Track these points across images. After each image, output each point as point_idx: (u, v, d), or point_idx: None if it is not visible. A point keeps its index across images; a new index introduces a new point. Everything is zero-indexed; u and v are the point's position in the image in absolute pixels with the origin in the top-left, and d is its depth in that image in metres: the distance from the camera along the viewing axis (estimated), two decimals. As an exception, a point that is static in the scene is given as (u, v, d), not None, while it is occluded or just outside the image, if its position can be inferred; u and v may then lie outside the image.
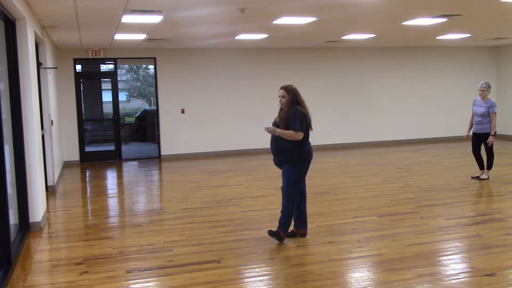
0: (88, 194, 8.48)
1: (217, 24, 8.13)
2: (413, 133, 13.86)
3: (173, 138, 12.14)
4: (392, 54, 13.52)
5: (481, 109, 8.01)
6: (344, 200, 7.06)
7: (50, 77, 8.72)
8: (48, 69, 8.38)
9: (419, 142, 13.71)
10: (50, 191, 7.97)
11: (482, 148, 8.22)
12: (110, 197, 8.25)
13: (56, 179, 8.68)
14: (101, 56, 11.52)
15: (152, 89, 21.94)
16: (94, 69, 13.94)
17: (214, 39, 10.20)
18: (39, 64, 7.68)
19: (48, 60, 8.53)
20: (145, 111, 17.64)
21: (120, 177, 10.15)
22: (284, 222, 5.06)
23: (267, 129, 5.01)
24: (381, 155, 11.59)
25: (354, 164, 10.33)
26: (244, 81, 12.50)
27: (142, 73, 24.81)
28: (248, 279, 4.24)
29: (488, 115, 7.95)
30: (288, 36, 9.91)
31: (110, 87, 12.40)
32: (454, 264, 4.44)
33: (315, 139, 5.10)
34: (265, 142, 5.18)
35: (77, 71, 11.88)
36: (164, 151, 12.16)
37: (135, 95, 25.29)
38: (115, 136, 12.26)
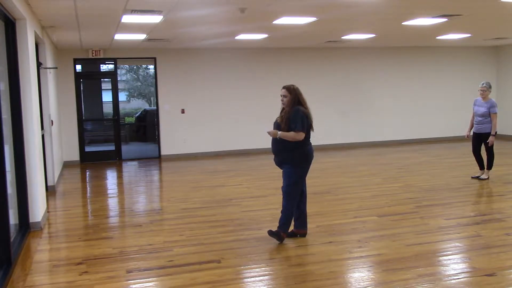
0: (88, 194, 8.48)
1: (217, 24, 8.13)
2: (413, 133, 13.86)
3: (173, 138, 12.14)
4: (392, 54, 13.52)
5: (482, 109, 8.01)
6: (344, 200, 7.06)
7: (50, 77, 8.72)
8: (48, 69, 8.38)
9: (419, 142, 13.71)
10: (50, 191, 7.97)
11: (482, 148, 8.22)
12: (110, 197, 8.25)
13: (56, 179, 8.68)
14: (101, 56, 11.51)
15: (152, 89, 21.94)
16: (94, 69, 13.93)
17: (214, 39, 10.20)
18: (39, 64, 7.68)
19: (48, 60, 8.53)
20: (145, 111, 17.64)
21: (120, 177, 10.15)
22: (284, 222, 5.06)
23: (269, 133, 5.01)
24: (381, 155, 11.59)
25: (354, 164, 10.33)
26: (244, 81, 12.50)
27: (142, 73, 24.81)
28: (248, 279, 4.24)
29: (489, 115, 7.95)
30: (288, 36, 9.91)
31: (110, 87, 12.40)
32: (454, 264, 4.44)
33: (315, 139, 5.09)
34: (265, 142, 5.18)
35: (77, 71, 11.88)
36: (164, 151, 12.16)
37: (135, 95, 25.30)
38: (115, 136, 12.26)
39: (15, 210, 5.54)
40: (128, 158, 12.30)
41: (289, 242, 5.07)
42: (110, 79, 12.74)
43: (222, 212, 6.50)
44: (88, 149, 12.32)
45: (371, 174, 9.05)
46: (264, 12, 7.03)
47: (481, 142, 8.16)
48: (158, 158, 12.16)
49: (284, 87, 5.03)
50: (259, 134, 8.81)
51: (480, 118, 8.06)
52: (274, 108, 5.28)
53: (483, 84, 8.11)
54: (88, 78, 13.42)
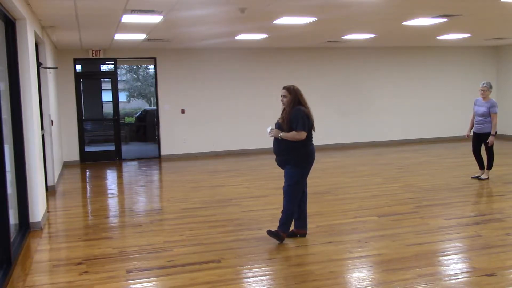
0: (88, 194, 8.48)
1: (217, 24, 8.13)
2: (413, 133, 13.86)
3: (173, 138, 12.15)
4: (392, 54, 13.52)
5: (482, 109, 8.01)
6: (344, 200, 7.06)
7: (50, 77, 8.72)
8: (48, 69, 8.38)
9: (419, 142, 13.71)
10: (50, 191, 7.97)
11: (482, 148, 8.22)
12: (110, 197, 8.25)
13: (56, 179, 8.68)
14: (101, 56, 11.51)
15: (152, 89, 21.95)
16: (94, 69, 13.94)
17: (214, 39, 10.20)
18: (39, 64, 7.68)
19: (48, 60, 8.53)
20: (145, 111, 17.64)
21: (120, 177, 10.15)
22: (284, 222, 5.06)
23: (272, 133, 4.98)
24: (381, 155, 11.59)
25: (354, 164, 10.33)
26: (244, 81, 12.50)
27: (142, 73, 24.81)
28: (248, 279, 4.24)
29: (489, 115, 7.95)
30: (288, 36, 9.91)
31: (110, 87, 12.40)
32: (454, 264, 4.44)
33: (315, 139, 5.09)
34: (265, 142, 5.18)
35: (77, 71, 11.88)
36: (164, 151, 12.16)
37: (135, 95, 25.29)
38: (115, 136, 12.26)
39: (15, 210, 5.54)
40: (128, 158, 12.30)
41: (289, 242, 5.07)
42: (110, 79, 12.74)
43: (222, 212, 6.50)
44: (88, 149, 12.32)
45: (371, 174, 9.05)
46: (264, 12, 7.03)
47: (481, 142, 8.16)
48: (158, 158, 12.16)
49: (284, 88, 5.02)
50: (259, 134, 8.82)
51: (480, 118, 8.06)
52: (274, 108, 5.29)
53: (483, 84, 8.11)
54: (88, 78, 13.42)
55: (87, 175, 10.32)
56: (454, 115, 13.79)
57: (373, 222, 5.87)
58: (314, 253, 4.80)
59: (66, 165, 11.25)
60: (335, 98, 13.14)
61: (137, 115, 18.14)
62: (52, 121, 8.59)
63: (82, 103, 11.96)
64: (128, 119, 19.04)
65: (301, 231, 5.22)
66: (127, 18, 7.15)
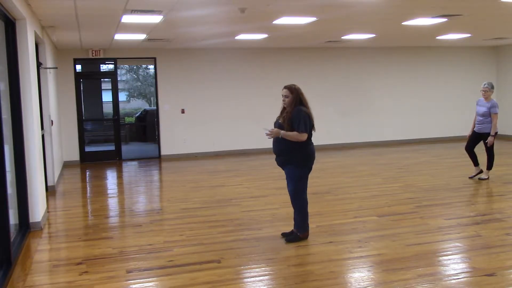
0: (88, 194, 8.48)
1: (217, 24, 8.13)
2: (413, 133, 13.86)
3: (173, 138, 12.15)
4: (392, 54, 13.52)
5: (483, 109, 8.01)
6: (344, 200, 7.06)
7: (50, 77, 8.72)
8: (48, 69, 8.38)
9: (419, 142, 13.71)
10: (50, 191, 7.97)
11: (478, 146, 8.19)
12: (110, 197, 8.25)
13: (56, 179, 8.68)
14: (101, 56, 11.52)
15: (152, 89, 21.95)
16: (94, 69, 13.93)
17: (214, 39, 10.20)
18: (39, 64, 7.68)
19: (48, 60, 8.53)
20: (145, 111, 17.64)
21: (120, 177, 10.15)
22: (301, 223, 5.08)
23: (270, 132, 4.93)
24: (381, 155, 11.59)
25: (354, 164, 10.33)
26: (244, 81, 12.50)
27: (142, 73, 24.81)
28: (248, 279, 4.24)
29: (489, 115, 7.95)
30: (288, 36, 9.91)
31: (110, 87, 12.40)
32: (454, 264, 4.44)
33: (315, 139, 5.08)
34: (265, 142, 5.17)
35: (77, 71, 11.88)
36: (164, 151, 12.16)
37: (135, 95, 25.29)
38: (115, 136, 12.26)
39: (15, 210, 5.54)
40: (128, 158, 12.30)
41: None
42: (110, 79, 12.75)
43: (222, 212, 6.50)
44: (88, 149, 12.32)
45: (371, 174, 9.05)
46: (264, 12, 7.03)
47: (478, 140, 8.17)
48: (158, 158, 12.17)
49: (285, 87, 4.98)
50: (259, 134, 8.79)
51: (481, 118, 8.06)
52: (274, 108, 5.28)
53: (485, 84, 8.11)
54: (88, 78, 13.42)
55: (87, 175, 10.32)
56: (454, 115, 13.80)
57: (373, 222, 5.87)
58: (314, 253, 4.80)
59: (66, 165, 11.25)
60: (335, 98, 13.14)
61: (137, 115, 18.14)
62: (52, 121, 8.59)
63: (82, 103, 11.96)
64: (128, 119, 19.04)
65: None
66: (127, 18, 7.15)
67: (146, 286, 4.10)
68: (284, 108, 5.04)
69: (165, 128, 12.13)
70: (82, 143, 11.79)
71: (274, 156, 5.13)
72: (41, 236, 5.66)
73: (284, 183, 5.28)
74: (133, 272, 4.36)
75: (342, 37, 10.62)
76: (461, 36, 11.06)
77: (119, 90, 13.60)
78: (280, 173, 5.16)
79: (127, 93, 25.45)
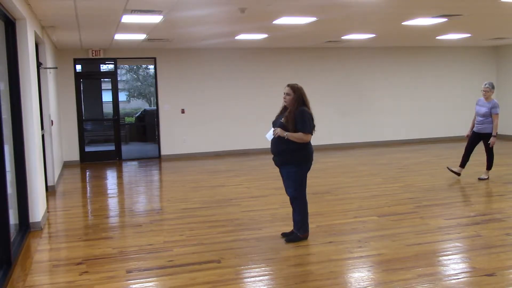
0: (88, 194, 8.48)
1: (217, 24, 8.13)
2: (413, 133, 13.87)
3: (173, 138, 12.15)
4: (392, 54, 13.52)
5: (483, 109, 8.01)
6: (344, 200, 7.06)
7: (50, 77, 8.72)
8: (48, 69, 8.38)
9: (419, 142, 13.71)
10: (50, 191, 7.97)
11: (478, 146, 8.19)
12: (110, 197, 8.25)
13: (56, 179, 8.68)
14: (101, 56, 11.52)
15: (152, 89, 21.94)
16: (94, 69, 13.94)
17: (214, 39, 10.20)
18: (39, 64, 7.68)
19: (48, 60, 8.53)
20: (145, 111, 17.64)
21: (120, 177, 10.15)
22: (302, 225, 5.08)
23: (276, 133, 4.90)
24: (381, 155, 11.59)
25: (354, 164, 10.33)
26: (244, 81, 12.50)
27: (142, 73, 24.81)
28: (248, 279, 4.24)
29: (490, 115, 7.95)
30: (288, 36, 9.91)
31: (110, 87, 12.40)
32: (454, 264, 4.44)
33: (315, 139, 5.09)
34: (265, 142, 5.16)
35: (77, 71, 11.88)
36: (164, 151, 12.16)
37: (135, 95, 25.29)
38: (115, 136, 12.26)
39: (15, 210, 5.54)
40: (128, 158, 12.30)
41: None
42: (110, 79, 12.75)
43: (222, 212, 6.50)
44: (88, 149, 12.33)
45: (371, 174, 9.05)
46: (264, 12, 7.03)
47: (478, 141, 8.16)
48: (158, 158, 12.17)
49: (288, 85, 4.97)
50: (259, 134, 8.78)
51: (481, 118, 8.05)
52: (274, 108, 5.27)
53: (486, 84, 8.11)
54: (88, 78, 13.42)
55: (87, 175, 10.32)
56: (454, 115, 13.80)
57: (373, 222, 5.87)
58: (314, 253, 4.80)
59: (66, 165, 11.25)
60: (335, 98, 13.14)
61: (137, 115, 18.14)
62: (52, 121, 8.59)
63: (82, 103, 11.96)
64: (128, 119, 19.04)
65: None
66: (127, 18, 7.15)
67: (146, 286, 4.10)
68: (284, 107, 5.03)
69: (165, 128, 12.13)
70: (82, 143, 11.79)
71: (273, 156, 5.12)
72: (41, 236, 5.66)
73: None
74: (133, 272, 4.36)
75: (342, 37, 10.62)
76: (461, 36, 11.06)
77: (119, 90, 13.60)
78: (280, 172, 5.15)
79: (127, 93, 25.44)
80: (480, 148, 8.19)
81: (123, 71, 24.16)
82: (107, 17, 7.10)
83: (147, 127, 16.17)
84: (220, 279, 4.13)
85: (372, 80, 13.43)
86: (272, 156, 5.12)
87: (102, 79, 14.84)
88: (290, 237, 5.12)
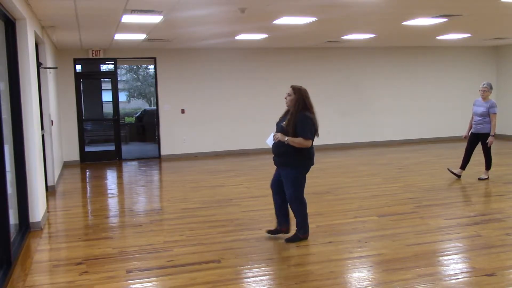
0: (88, 194, 8.48)
1: (217, 24, 8.13)
2: (413, 133, 13.87)
3: (173, 138, 12.15)
4: (392, 54, 13.52)
5: (481, 109, 8.01)
6: (344, 200, 7.06)
7: (50, 77, 8.72)
8: (48, 69, 8.38)
9: (419, 142, 13.71)
10: (50, 191, 7.97)
11: (477, 149, 8.19)
12: (110, 197, 8.25)
13: (56, 179, 8.68)
14: (101, 56, 11.52)
15: (152, 89, 21.95)
16: (94, 69, 13.93)
17: (214, 39, 10.20)
18: (39, 64, 7.68)
19: (48, 60, 8.53)
20: (145, 111, 17.64)
21: (120, 177, 10.15)
22: (302, 225, 5.08)
23: (276, 138, 4.89)
24: (381, 155, 11.59)
25: (354, 164, 10.33)
26: (244, 81, 12.50)
27: (142, 73, 24.81)
28: (248, 279, 4.24)
29: (488, 115, 7.95)
30: (288, 36, 9.91)
31: (110, 87, 12.40)
32: (454, 264, 4.44)
33: (315, 139, 5.09)
34: (265, 142, 5.16)
35: (77, 71, 11.88)
36: (164, 151, 12.16)
37: (135, 95, 25.30)
38: (115, 136, 12.26)
39: (15, 210, 5.54)
40: (128, 158, 12.30)
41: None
42: (110, 79, 12.74)
43: (222, 212, 6.50)
44: (88, 149, 12.32)
45: (371, 174, 9.05)
46: (264, 12, 7.03)
47: (477, 142, 8.16)
48: (158, 158, 12.17)
49: (291, 86, 4.98)
50: (259, 134, 8.81)
51: (479, 118, 8.05)
52: (274, 108, 5.28)
53: (484, 84, 8.11)
54: (88, 78, 13.42)
55: (87, 175, 10.32)
56: (454, 115, 13.80)
57: (373, 222, 5.87)
58: (314, 253, 4.80)
59: (66, 165, 11.25)
60: (335, 98, 13.14)
61: (137, 115, 18.14)
62: (52, 121, 8.59)
63: (82, 103, 11.96)
64: (128, 119, 19.04)
65: (284, 228, 5.20)
66: (127, 18, 7.15)
67: (146, 286, 4.10)
68: (288, 110, 5.02)
69: (165, 128, 12.13)
70: (82, 143, 11.79)
71: (273, 156, 5.12)
72: (41, 236, 5.66)
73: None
74: (133, 272, 4.36)
75: (342, 37, 10.62)
76: (461, 36, 11.05)
77: (119, 90, 13.60)
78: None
79: (127, 93, 25.45)
80: (479, 148, 8.18)
81: (123, 71, 24.17)
82: (107, 17, 7.10)
83: (147, 127, 16.17)
84: (220, 279, 4.14)
85: (372, 80, 13.43)
86: (272, 155, 5.12)
87: (102, 79, 14.84)
88: (290, 237, 5.12)
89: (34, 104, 5.91)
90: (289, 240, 5.08)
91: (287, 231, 5.21)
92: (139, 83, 24.91)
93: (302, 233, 5.10)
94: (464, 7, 7.27)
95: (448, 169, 8.54)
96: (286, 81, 5.40)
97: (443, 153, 11.74)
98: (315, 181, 8.07)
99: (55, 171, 8.54)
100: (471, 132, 8.23)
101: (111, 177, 10.27)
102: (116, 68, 12.26)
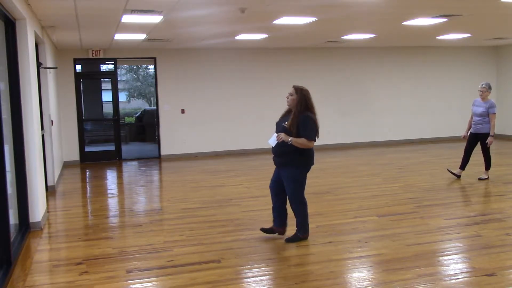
0: (88, 194, 8.48)
1: (217, 24, 8.13)
2: (413, 133, 13.87)
3: (173, 138, 12.15)
4: (392, 54, 13.52)
5: (480, 109, 8.01)
6: (344, 200, 7.06)
7: (50, 77, 8.72)
8: (48, 69, 8.38)
9: (419, 142, 13.71)
10: (50, 191, 7.97)
11: (477, 149, 8.19)
12: (110, 197, 8.25)
13: (56, 179, 8.68)
14: (101, 56, 11.51)
15: (152, 89, 21.95)
16: (94, 69, 13.94)
17: (214, 39, 10.20)
18: (39, 64, 7.68)
19: (48, 60, 8.53)
20: (145, 111, 17.64)
21: (120, 177, 10.15)
22: (302, 225, 5.08)
23: (280, 138, 4.87)
24: (381, 155, 11.59)
25: (354, 164, 10.33)
26: (244, 81, 12.50)
27: (142, 73, 24.81)
28: (248, 279, 4.24)
29: (487, 115, 7.95)
30: (288, 36, 9.91)
31: (110, 87, 12.40)
32: (454, 264, 4.44)
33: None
34: (265, 142, 5.17)
35: (77, 71, 11.88)
36: (164, 151, 12.16)
37: (135, 95, 25.30)
38: (115, 136, 12.26)
39: (15, 210, 5.54)
40: (128, 158, 12.30)
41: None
42: (110, 79, 12.75)
43: (222, 212, 6.50)
44: (88, 149, 12.32)
45: (371, 174, 9.05)
46: (264, 12, 7.03)
47: (476, 142, 8.16)
48: (158, 158, 12.17)
49: (293, 86, 4.99)
50: (259, 134, 8.84)
51: (478, 118, 8.06)
52: (274, 108, 5.28)
53: (482, 84, 8.11)
54: (88, 78, 13.43)
55: (87, 175, 10.32)
56: (454, 115, 13.79)
57: (373, 222, 5.87)
58: (314, 253, 4.80)
59: (66, 165, 11.25)
60: (335, 98, 13.14)
61: (137, 115, 18.14)
62: (52, 121, 8.59)
63: (82, 103, 11.96)
64: (128, 119, 19.04)
65: (280, 229, 5.21)
66: (127, 18, 7.15)
67: (146, 286, 4.10)
68: (288, 110, 5.03)
69: (165, 128, 12.13)
70: (82, 143, 11.79)
71: (273, 156, 5.12)
72: (41, 236, 5.66)
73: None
74: (133, 272, 4.36)
75: (342, 37, 10.62)
76: (461, 36, 11.05)
77: (119, 90, 13.60)
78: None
79: (127, 93, 25.45)
80: (479, 148, 8.18)
81: (123, 71, 24.17)
82: (107, 17, 7.10)
83: (147, 127, 16.17)
84: (220, 279, 4.14)
85: (372, 80, 13.43)
86: (273, 156, 5.13)
87: (102, 79, 14.84)
88: (290, 237, 5.12)
89: (34, 104, 5.91)
90: (289, 240, 5.08)
91: (283, 233, 5.21)
92: (139, 83, 24.91)
93: (302, 233, 5.10)
94: (464, 7, 7.27)
95: (447, 169, 8.54)
96: (286, 81, 5.41)
97: (443, 153, 11.74)
98: (315, 181, 8.07)
99: (55, 171, 8.54)
100: (471, 132, 8.23)
101: (111, 177, 10.27)
102: (116, 68, 12.26)
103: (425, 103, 13.84)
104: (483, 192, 7.55)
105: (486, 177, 8.17)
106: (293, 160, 4.92)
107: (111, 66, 13.35)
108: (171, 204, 7.17)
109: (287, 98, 4.98)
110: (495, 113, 7.94)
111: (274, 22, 7.94)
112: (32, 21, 6.29)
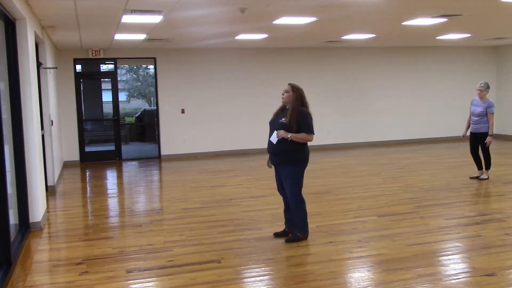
0: (88, 194, 8.48)
1: (217, 24, 8.13)
2: (413, 133, 13.87)
3: (173, 138, 12.15)
4: (392, 54, 13.52)
5: (479, 109, 8.02)
6: (344, 200, 7.06)
7: (50, 77, 8.72)
8: (48, 69, 8.38)
9: (419, 142, 13.71)
10: (50, 191, 7.97)
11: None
12: (110, 197, 8.25)
13: (56, 179, 8.68)
14: (101, 56, 11.52)
15: (152, 89, 21.95)
16: (94, 69, 13.92)
17: (214, 39, 10.20)
18: (39, 64, 7.68)
19: (48, 60, 8.53)
20: (145, 111, 17.63)
21: (120, 177, 10.15)
22: (302, 225, 5.10)
23: (280, 135, 4.89)
24: (381, 155, 11.59)
25: (354, 164, 10.33)
26: (244, 81, 12.50)
27: (142, 73, 24.81)
28: (248, 279, 4.24)
29: (485, 114, 7.96)
30: (288, 36, 9.91)
31: (110, 87, 12.40)
32: (454, 264, 4.44)
33: (315, 139, 5.10)
34: (265, 142, 5.17)
35: (77, 71, 11.88)
36: (164, 151, 12.16)
37: (135, 95, 25.29)
38: (115, 136, 12.26)
39: (15, 210, 5.54)
40: (128, 158, 12.30)
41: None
42: (110, 79, 12.74)
43: (222, 212, 6.50)
44: (88, 149, 12.32)
45: (371, 174, 9.05)
46: (264, 12, 7.03)
47: (478, 142, 8.17)
48: (158, 158, 12.17)
49: (289, 84, 5.06)
50: (259, 134, 8.82)
51: (476, 118, 8.06)
52: (274, 108, 5.27)
53: (481, 84, 8.12)
54: (88, 78, 13.41)
55: (87, 175, 10.32)
56: (454, 115, 13.78)
57: (373, 222, 5.87)
58: (314, 253, 4.80)
59: (66, 165, 11.25)
60: (335, 98, 13.14)
61: (137, 115, 18.13)
62: (52, 121, 8.59)
63: (82, 103, 11.96)
64: (128, 119, 19.04)
65: (292, 229, 5.23)
66: (127, 18, 7.15)
67: (146, 286, 4.10)
68: (282, 108, 5.06)
69: (165, 128, 12.13)
70: (82, 143, 11.79)
71: (270, 155, 5.13)
72: (41, 236, 5.66)
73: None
74: (133, 272, 4.36)
75: (342, 37, 10.62)
76: (461, 36, 11.06)
77: (119, 90, 13.60)
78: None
79: (127, 93, 25.44)
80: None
81: (123, 71, 24.16)
82: (107, 17, 7.10)
83: (147, 127, 16.16)
84: (220, 279, 4.14)
85: (372, 80, 13.43)
86: (270, 155, 5.13)
87: (102, 79, 14.82)
88: (290, 237, 5.12)
89: (34, 104, 5.91)
90: (289, 240, 5.08)
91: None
92: (139, 83, 24.90)
93: (302, 233, 5.10)
94: (464, 7, 7.27)
95: (470, 177, 8.30)
96: (286, 81, 5.40)
97: (443, 153, 11.74)
98: (315, 181, 8.07)
99: (55, 171, 8.54)
100: (470, 132, 8.24)
101: (111, 177, 10.27)
102: (116, 68, 12.26)
103: (425, 103, 13.85)
104: (483, 192, 7.55)
105: (486, 177, 8.17)
106: (290, 158, 4.95)
107: (111, 66, 13.35)
108: (171, 204, 7.17)
109: (283, 95, 5.02)
110: (493, 113, 7.94)
111: (274, 22, 7.95)
112: (32, 21, 6.29)
